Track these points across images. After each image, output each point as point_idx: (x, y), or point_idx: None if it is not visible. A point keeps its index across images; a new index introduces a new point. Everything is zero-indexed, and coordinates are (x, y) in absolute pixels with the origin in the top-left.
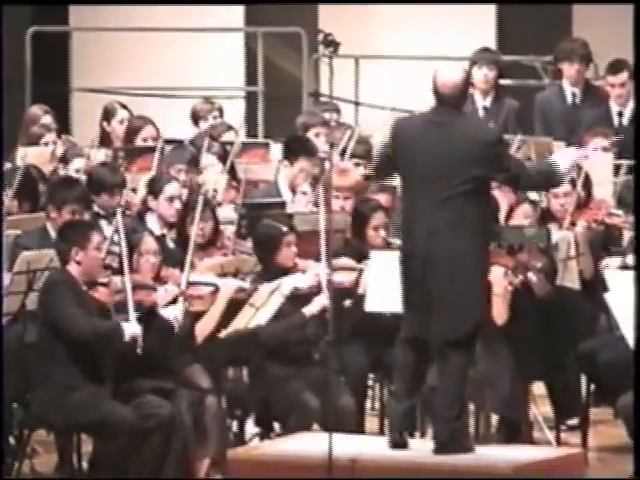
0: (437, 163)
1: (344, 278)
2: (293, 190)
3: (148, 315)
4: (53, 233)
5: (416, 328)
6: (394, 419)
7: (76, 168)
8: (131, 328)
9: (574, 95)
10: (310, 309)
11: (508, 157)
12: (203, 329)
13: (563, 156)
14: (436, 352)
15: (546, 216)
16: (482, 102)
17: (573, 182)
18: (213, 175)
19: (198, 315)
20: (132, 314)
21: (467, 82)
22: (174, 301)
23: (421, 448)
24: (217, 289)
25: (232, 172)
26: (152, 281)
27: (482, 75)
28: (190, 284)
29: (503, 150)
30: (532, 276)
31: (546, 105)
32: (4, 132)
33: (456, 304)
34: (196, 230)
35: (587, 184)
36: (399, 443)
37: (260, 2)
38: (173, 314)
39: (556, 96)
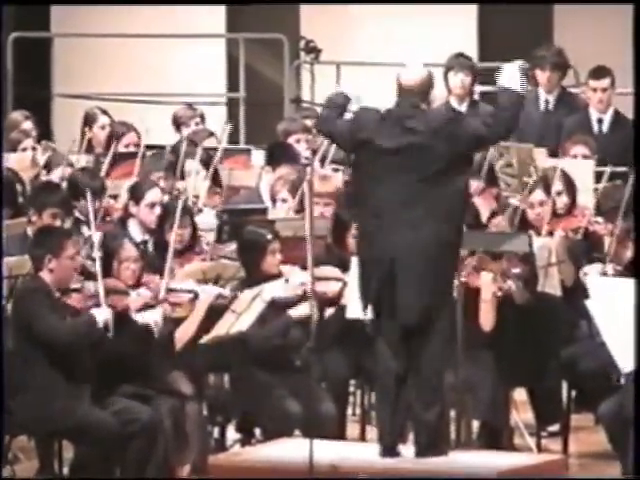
0: (400, 152)
1: (327, 288)
2: (273, 197)
3: (121, 319)
4: None
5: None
6: (384, 430)
7: (60, 176)
8: (102, 313)
9: (547, 102)
10: (297, 312)
11: (469, 125)
12: (183, 335)
13: (509, 77)
14: (411, 353)
15: (525, 223)
16: (458, 108)
17: (548, 190)
18: (196, 181)
19: (178, 321)
20: (102, 299)
21: (431, 79)
22: (153, 306)
23: (403, 453)
24: (196, 296)
25: (215, 178)
26: (132, 287)
27: (458, 80)
28: (170, 291)
29: (463, 121)
30: (511, 283)
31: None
32: None
33: (421, 288)
34: (174, 237)
35: (571, 190)
36: (391, 453)
37: (244, 3)
38: (152, 319)
39: (530, 102)
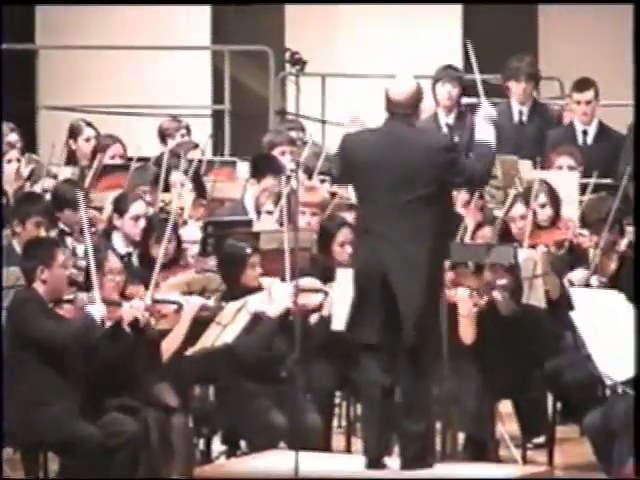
0: (392, 171)
1: (308, 301)
2: (257, 209)
3: (114, 330)
4: (19, 249)
5: (374, 335)
6: (370, 442)
7: (43, 188)
8: (98, 309)
9: (521, 113)
10: (275, 310)
11: (462, 161)
12: (169, 347)
13: (484, 130)
14: (399, 366)
15: (509, 235)
16: (445, 119)
17: (527, 202)
18: (181, 193)
19: (163, 333)
20: (97, 296)
21: (420, 91)
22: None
23: (389, 465)
24: (181, 307)
25: (200, 190)
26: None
27: (445, 92)
28: (155, 302)
29: (457, 155)
30: (497, 295)
31: (492, 122)
32: None
33: (413, 310)
34: (161, 250)
35: (555, 203)
36: (376, 465)
37: (232, 3)
38: (137, 313)
39: (503, 114)
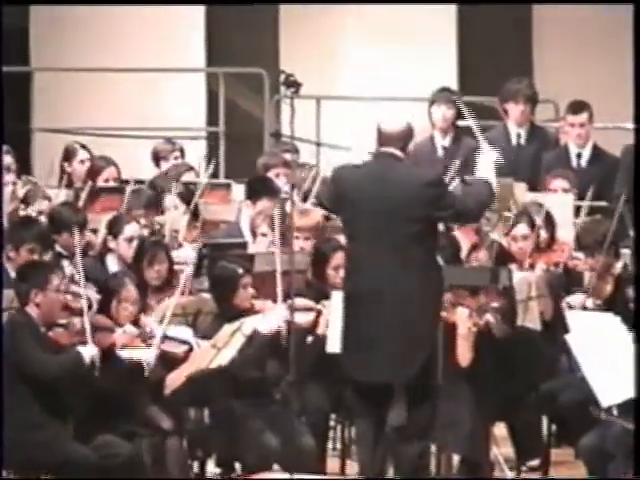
0: (382, 208)
1: (302, 319)
2: (253, 231)
3: (106, 355)
4: (12, 273)
5: (365, 372)
6: (364, 465)
7: (38, 209)
8: (88, 350)
9: (519, 136)
10: (267, 326)
11: (450, 196)
12: (172, 382)
13: (486, 167)
14: (393, 394)
15: (506, 257)
16: (441, 142)
17: (532, 224)
18: (175, 215)
19: (171, 366)
20: (89, 336)
21: (411, 129)
22: (148, 344)
23: None
24: (191, 348)
25: (194, 212)
26: (120, 325)
27: (440, 113)
28: (165, 338)
29: (444, 190)
30: (490, 317)
31: (490, 145)
32: None
33: (405, 344)
34: (182, 279)
35: (550, 225)
36: None
37: (223, 3)
38: (144, 357)
39: (501, 136)
